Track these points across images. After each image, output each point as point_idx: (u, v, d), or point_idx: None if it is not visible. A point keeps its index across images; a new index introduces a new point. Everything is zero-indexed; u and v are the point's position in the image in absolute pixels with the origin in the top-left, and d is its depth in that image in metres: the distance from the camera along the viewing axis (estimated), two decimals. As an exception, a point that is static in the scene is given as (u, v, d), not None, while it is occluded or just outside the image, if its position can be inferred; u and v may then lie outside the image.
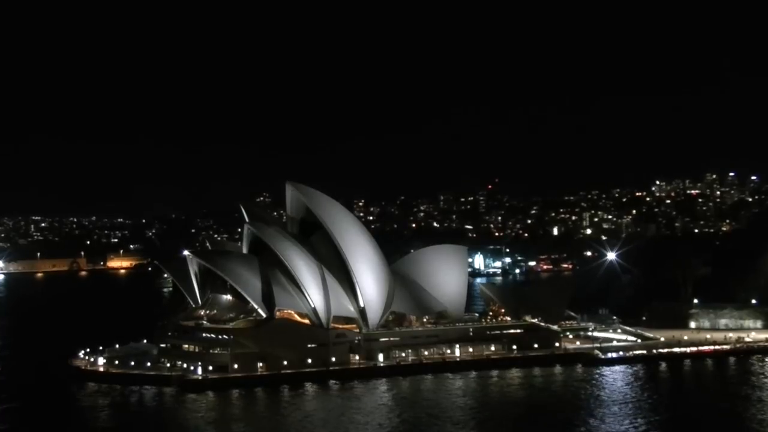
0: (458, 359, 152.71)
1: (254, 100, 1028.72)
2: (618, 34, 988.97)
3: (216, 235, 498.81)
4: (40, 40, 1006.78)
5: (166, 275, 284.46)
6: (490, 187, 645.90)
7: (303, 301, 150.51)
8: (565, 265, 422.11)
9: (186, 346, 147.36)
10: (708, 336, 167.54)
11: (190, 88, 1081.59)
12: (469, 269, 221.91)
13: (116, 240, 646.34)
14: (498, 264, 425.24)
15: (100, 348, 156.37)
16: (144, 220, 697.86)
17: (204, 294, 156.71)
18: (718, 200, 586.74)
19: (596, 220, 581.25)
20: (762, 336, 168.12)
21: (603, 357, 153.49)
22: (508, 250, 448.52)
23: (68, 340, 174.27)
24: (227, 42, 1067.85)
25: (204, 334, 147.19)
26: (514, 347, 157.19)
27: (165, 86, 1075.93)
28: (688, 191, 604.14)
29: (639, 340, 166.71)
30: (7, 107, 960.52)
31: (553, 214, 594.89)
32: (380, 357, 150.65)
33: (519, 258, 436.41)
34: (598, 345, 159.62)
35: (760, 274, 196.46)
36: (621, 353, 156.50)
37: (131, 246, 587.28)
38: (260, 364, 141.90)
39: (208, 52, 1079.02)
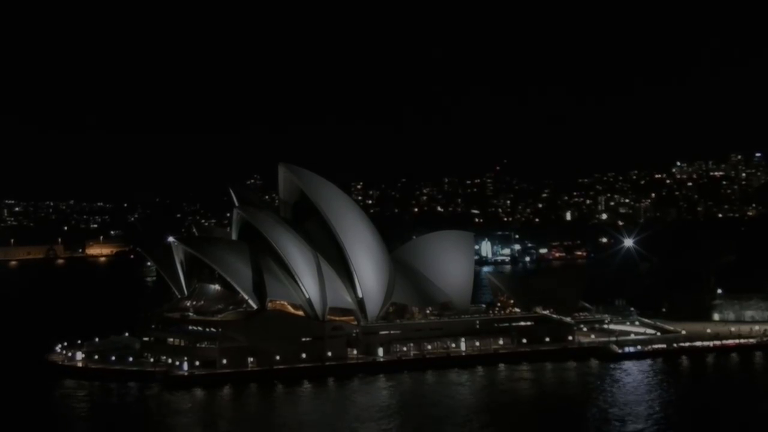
0: (464, 354, 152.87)
1: (246, 81, 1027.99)
2: (632, 16, 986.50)
3: (203, 221, 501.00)
4: (16, 22, 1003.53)
5: (149, 263, 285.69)
6: (498, 168, 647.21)
7: (297, 291, 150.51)
8: (579, 253, 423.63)
9: (171, 339, 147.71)
10: (733, 329, 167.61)
11: (177, 72, 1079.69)
12: (476, 257, 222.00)
13: (96, 226, 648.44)
14: (507, 251, 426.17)
15: (79, 342, 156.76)
16: (126, 205, 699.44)
17: (190, 284, 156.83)
18: (743, 183, 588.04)
19: (612, 204, 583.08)
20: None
21: (620, 351, 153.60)
22: (517, 236, 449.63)
23: (44, 333, 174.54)
24: (213, 26, 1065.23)
25: (190, 327, 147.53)
26: (524, 341, 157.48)
27: (151, 70, 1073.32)
28: (711, 173, 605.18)
29: (658, 333, 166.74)
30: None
31: (566, 198, 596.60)
32: (380, 351, 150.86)
33: (529, 245, 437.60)
34: (614, 338, 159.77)
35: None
36: (639, 347, 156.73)
37: (112, 232, 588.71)
38: (251, 359, 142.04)
39: (192, 36, 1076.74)
